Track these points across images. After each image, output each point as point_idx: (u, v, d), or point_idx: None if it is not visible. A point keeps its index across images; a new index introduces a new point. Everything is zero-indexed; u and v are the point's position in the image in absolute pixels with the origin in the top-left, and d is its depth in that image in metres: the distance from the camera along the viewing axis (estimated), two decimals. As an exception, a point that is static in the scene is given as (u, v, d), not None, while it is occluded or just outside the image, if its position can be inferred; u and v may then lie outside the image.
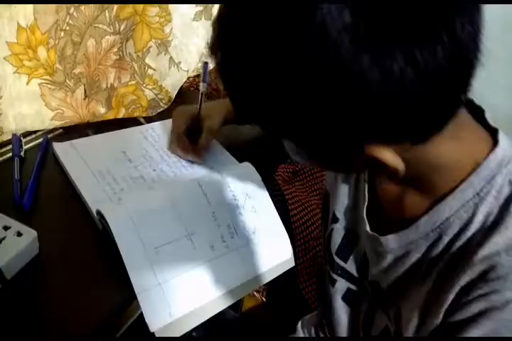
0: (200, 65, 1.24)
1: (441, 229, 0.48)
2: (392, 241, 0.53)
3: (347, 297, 0.69)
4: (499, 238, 0.43)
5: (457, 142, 0.45)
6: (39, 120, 0.85)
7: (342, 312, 0.70)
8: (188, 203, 0.71)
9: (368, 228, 0.58)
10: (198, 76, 1.24)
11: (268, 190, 0.79)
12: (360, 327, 0.66)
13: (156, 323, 0.60)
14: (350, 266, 0.66)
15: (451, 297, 0.45)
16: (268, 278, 0.74)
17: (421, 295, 0.50)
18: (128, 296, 0.61)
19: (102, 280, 0.64)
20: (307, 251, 1.14)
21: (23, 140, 0.83)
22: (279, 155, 1.37)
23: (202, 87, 0.85)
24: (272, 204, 0.79)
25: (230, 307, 0.70)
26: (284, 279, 0.77)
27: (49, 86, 0.83)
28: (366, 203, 0.59)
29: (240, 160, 0.85)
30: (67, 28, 0.82)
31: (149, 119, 0.97)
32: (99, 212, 0.66)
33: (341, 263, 0.67)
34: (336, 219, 0.67)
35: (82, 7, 0.83)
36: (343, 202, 0.66)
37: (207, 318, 0.67)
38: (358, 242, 0.64)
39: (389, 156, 0.39)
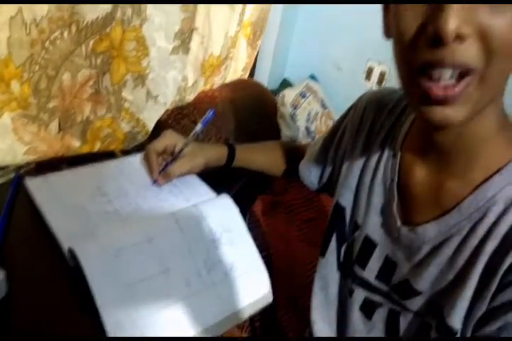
0: (178, 97, 1.25)
1: (486, 208, 0.50)
2: (431, 230, 0.55)
3: (364, 306, 0.69)
4: None
5: (504, 130, 0.51)
6: (11, 155, 0.84)
7: (359, 323, 0.69)
8: (163, 238, 0.69)
9: (399, 223, 0.59)
10: (176, 108, 1.25)
11: (246, 221, 0.78)
12: (383, 334, 0.66)
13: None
14: (369, 274, 0.66)
15: (498, 277, 0.47)
16: (247, 314, 0.72)
17: (469, 282, 0.51)
18: (102, 335, 0.59)
19: (74, 319, 0.62)
20: (286, 285, 1.12)
21: (-6, 175, 0.81)
22: (259, 187, 1.38)
23: (198, 127, 0.85)
24: (250, 238, 0.78)
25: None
26: (263, 313, 0.76)
27: (22, 120, 0.82)
28: (396, 199, 0.61)
29: (218, 192, 0.84)
30: (43, 61, 0.82)
31: (126, 152, 0.96)
32: (70, 250, 0.64)
33: (359, 271, 0.67)
34: (357, 227, 0.68)
35: (58, 41, 0.83)
36: (361, 211, 0.67)
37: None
38: (374, 249, 0.65)
39: None
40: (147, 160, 0.83)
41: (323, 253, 0.75)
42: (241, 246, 0.77)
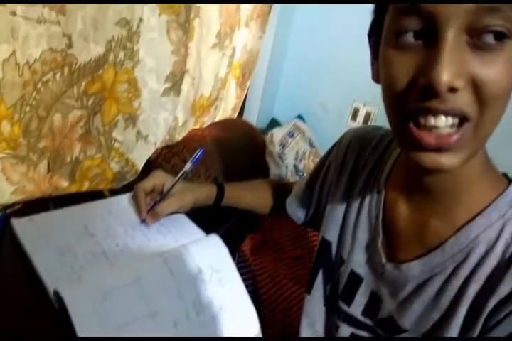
0: (168, 136, 1.26)
1: (468, 248, 0.50)
2: (415, 268, 0.55)
3: None
4: None
5: (487, 172, 0.52)
6: (-2, 194, 0.83)
7: None
8: (152, 280, 0.68)
9: (384, 260, 0.59)
10: (166, 147, 1.26)
11: (235, 261, 0.78)
12: None
13: None
14: (354, 309, 0.65)
15: (482, 319, 0.48)
16: (235, 357, 0.71)
17: (453, 323, 0.51)
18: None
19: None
20: (275, 324, 1.10)
21: (-20, 215, 0.80)
22: (248, 225, 1.37)
23: (187, 166, 0.85)
24: (239, 278, 0.77)
25: None
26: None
27: (11, 160, 0.82)
28: (381, 236, 0.61)
29: (207, 232, 0.83)
30: (34, 102, 0.83)
31: (114, 192, 0.96)
32: (55, 292, 0.63)
33: (345, 307, 0.66)
34: (342, 262, 0.68)
35: (50, 83, 0.84)
36: (347, 246, 0.67)
37: None
38: (360, 284, 0.64)
39: None
40: (135, 199, 0.83)
41: (309, 290, 0.74)
42: (230, 286, 0.76)
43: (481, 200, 0.51)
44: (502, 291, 0.47)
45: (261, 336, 0.75)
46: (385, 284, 0.60)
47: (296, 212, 0.85)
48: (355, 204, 0.67)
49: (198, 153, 0.84)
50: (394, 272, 0.58)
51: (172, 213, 0.84)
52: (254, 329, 0.74)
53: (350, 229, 0.67)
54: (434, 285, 0.53)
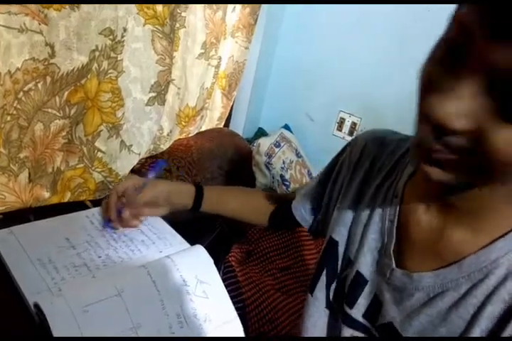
0: (152, 146, 1.26)
1: (488, 270, 0.49)
2: (427, 278, 0.54)
3: None
4: None
5: None
6: (-23, 206, 0.81)
7: None
8: (135, 292, 0.67)
9: (394, 265, 0.58)
10: (150, 157, 1.25)
11: (221, 272, 0.77)
12: None
13: None
14: (356, 311, 0.64)
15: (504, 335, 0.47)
16: (221, 370, 0.69)
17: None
18: None
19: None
20: (261, 335, 1.08)
21: (-42, 227, 0.78)
22: (233, 236, 1.36)
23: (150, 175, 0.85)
24: (224, 289, 0.76)
25: None
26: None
27: (-9, 170, 0.81)
28: (394, 240, 0.60)
29: (192, 243, 0.82)
30: (15, 112, 0.82)
31: (96, 203, 0.94)
32: (36, 305, 0.61)
33: (347, 309, 0.65)
34: (349, 262, 0.66)
35: (32, 92, 0.83)
36: (355, 247, 0.66)
37: None
38: (365, 285, 0.63)
39: None
40: (107, 201, 0.83)
41: (311, 291, 0.73)
42: (215, 298, 0.75)
43: (505, 224, 0.50)
44: None
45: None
46: (390, 289, 0.59)
47: (304, 215, 0.83)
48: (368, 206, 0.66)
49: (159, 163, 0.84)
50: (403, 279, 0.57)
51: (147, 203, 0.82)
52: (240, 341, 0.73)
53: (360, 229, 0.66)
54: (445, 301, 0.52)
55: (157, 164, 0.84)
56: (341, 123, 1.75)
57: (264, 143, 1.65)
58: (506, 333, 0.47)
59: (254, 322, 1.10)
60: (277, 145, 1.71)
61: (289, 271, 1.31)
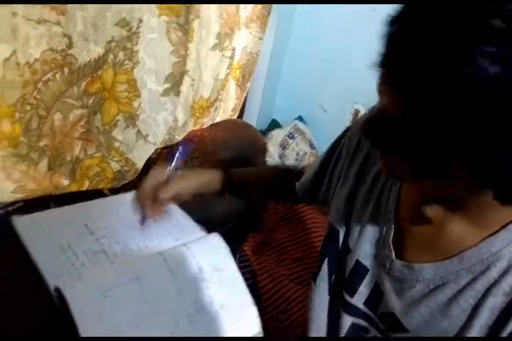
0: (167, 137, 1.27)
1: (489, 262, 0.49)
2: (428, 270, 0.53)
3: (350, 332, 0.67)
4: None
5: None
6: (-2, 193, 0.83)
7: None
8: (152, 278, 0.68)
9: (393, 256, 0.58)
10: (165, 147, 1.26)
11: (236, 260, 0.77)
12: None
13: None
14: (357, 300, 0.64)
15: (506, 333, 0.47)
16: (237, 355, 0.70)
17: (467, 332, 0.50)
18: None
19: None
20: (276, 324, 1.09)
21: (-20, 213, 0.80)
22: (249, 225, 1.37)
23: (174, 162, 0.84)
24: (241, 277, 0.77)
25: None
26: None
27: (12, 158, 0.82)
28: (393, 232, 0.59)
29: (208, 231, 0.83)
30: (34, 101, 0.83)
31: (114, 191, 0.96)
32: (57, 289, 0.63)
33: (347, 297, 0.65)
34: (348, 251, 0.66)
35: (50, 82, 0.85)
36: (354, 235, 0.65)
37: None
38: (366, 275, 0.63)
39: None
40: (139, 199, 0.81)
41: (314, 279, 0.73)
42: (231, 285, 0.75)
43: (507, 215, 0.50)
44: None
45: (262, 335, 0.75)
46: (390, 280, 0.59)
47: (307, 195, 0.82)
48: (365, 193, 0.65)
49: (180, 150, 0.84)
50: (403, 270, 0.56)
51: (176, 201, 0.81)
52: (256, 328, 0.74)
53: (358, 218, 0.65)
54: (446, 292, 0.52)
55: (182, 150, 0.84)
56: (356, 114, 1.74)
57: (277, 135, 1.66)
58: (510, 326, 0.47)
59: (269, 311, 1.11)
60: (291, 136, 1.71)
61: (302, 261, 1.32)
